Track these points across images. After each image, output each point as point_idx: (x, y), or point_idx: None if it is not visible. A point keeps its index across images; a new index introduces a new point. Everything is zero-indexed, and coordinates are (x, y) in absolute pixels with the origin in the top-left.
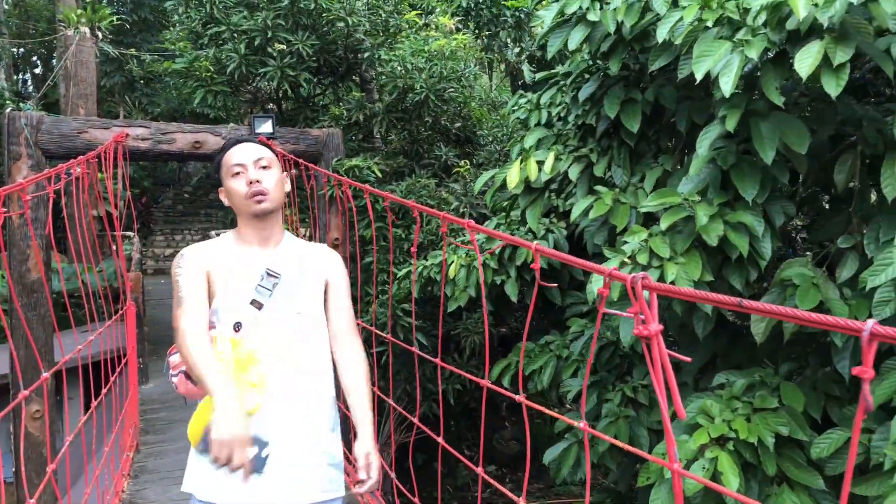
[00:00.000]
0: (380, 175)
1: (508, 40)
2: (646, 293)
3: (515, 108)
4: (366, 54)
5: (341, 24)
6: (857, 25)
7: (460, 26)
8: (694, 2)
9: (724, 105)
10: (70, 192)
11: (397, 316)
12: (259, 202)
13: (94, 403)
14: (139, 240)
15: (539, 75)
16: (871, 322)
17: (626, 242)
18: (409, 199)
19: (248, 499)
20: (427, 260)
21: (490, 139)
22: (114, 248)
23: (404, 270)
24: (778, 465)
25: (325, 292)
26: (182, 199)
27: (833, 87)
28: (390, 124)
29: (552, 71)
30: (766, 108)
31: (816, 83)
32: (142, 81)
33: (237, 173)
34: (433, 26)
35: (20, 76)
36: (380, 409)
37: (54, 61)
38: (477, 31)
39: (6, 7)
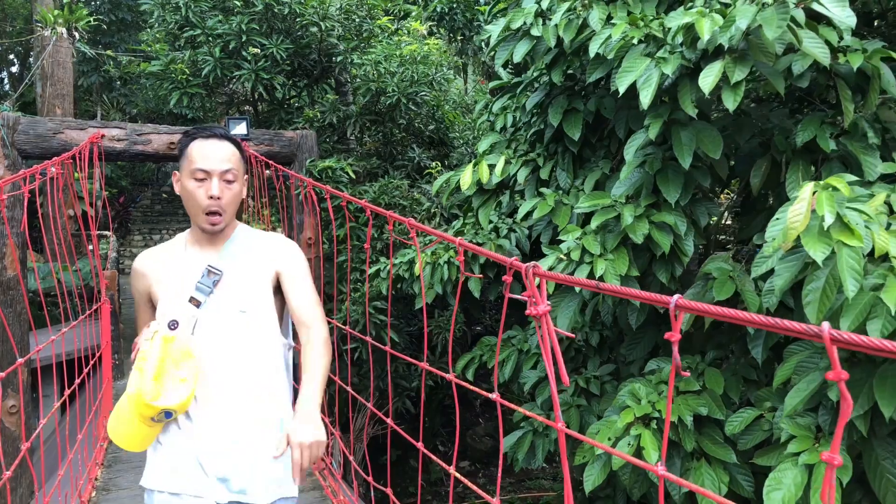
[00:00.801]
0: (353, 176)
1: (483, 44)
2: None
3: (483, 112)
4: (339, 58)
5: (315, 29)
6: (761, 47)
7: (434, 30)
8: (622, 20)
9: (649, 115)
10: (45, 192)
11: (370, 313)
12: (213, 224)
13: (68, 391)
14: (116, 239)
15: (491, 84)
16: (676, 297)
17: (562, 241)
18: (383, 199)
19: (195, 490)
20: (396, 258)
21: (462, 141)
22: (89, 247)
23: (373, 269)
24: (698, 442)
25: (279, 282)
26: (160, 199)
27: (731, 101)
28: (364, 126)
29: (501, 81)
30: (687, 117)
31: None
32: (119, 81)
33: (200, 178)
34: (405, 31)
35: None
36: (354, 404)
37: (31, 60)
38: (451, 36)
39: None
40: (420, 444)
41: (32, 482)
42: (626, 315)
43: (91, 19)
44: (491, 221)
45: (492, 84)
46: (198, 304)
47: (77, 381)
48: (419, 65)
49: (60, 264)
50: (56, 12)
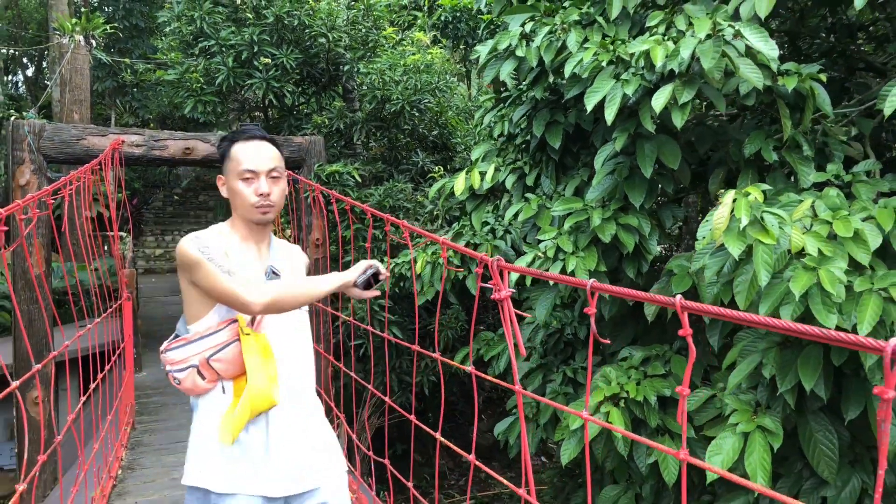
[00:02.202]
0: (359, 179)
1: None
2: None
3: (481, 120)
4: (346, 67)
5: (323, 40)
6: (711, 71)
7: (439, 38)
8: (594, 45)
9: (617, 129)
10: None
11: (374, 311)
12: (265, 213)
13: (94, 383)
14: (131, 240)
15: (482, 98)
16: (591, 280)
17: (540, 241)
18: (387, 202)
19: (260, 489)
20: (399, 258)
21: (464, 146)
22: (106, 247)
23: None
24: (663, 420)
25: None
26: (172, 201)
27: (678, 119)
28: (370, 132)
29: (490, 95)
30: (651, 131)
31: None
32: (134, 88)
33: (248, 178)
34: (410, 41)
35: (11, 78)
36: (358, 398)
37: (46, 65)
38: (455, 44)
39: None
40: (438, 434)
41: (55, 468)
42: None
43: (107, 27)
44: (487, 223)
45: (483, 98)
46: None
47: (102, 372)
48: (422, 74)
49: (84, 263)
50: (74, 21)
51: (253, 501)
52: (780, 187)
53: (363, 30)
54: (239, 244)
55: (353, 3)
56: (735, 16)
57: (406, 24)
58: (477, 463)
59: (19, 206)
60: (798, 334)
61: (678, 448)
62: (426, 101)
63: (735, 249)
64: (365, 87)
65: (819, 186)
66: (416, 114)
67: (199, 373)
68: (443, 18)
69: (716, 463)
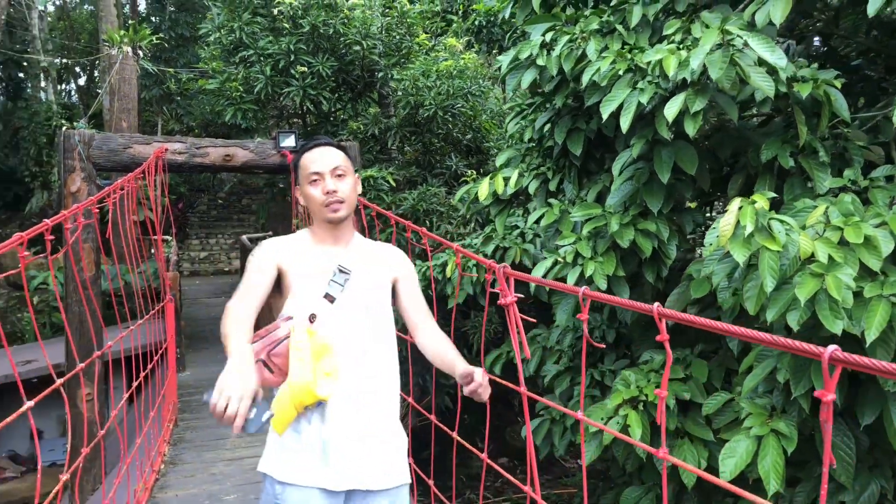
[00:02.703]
0: (393, 184)
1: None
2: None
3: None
4: (380, 73)
5: (358, 48)
6: (720, 80)
7: (473, 42)
8: (610, 53)
9: (635, 136)
10: (116, 204)
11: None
12: (335, 211)
13: (137, 380)
14: (176, 243)
15: (506, 105)
16: (583, 288)
17: (560, 246)
18: (421, 205)
19: (318, 481)
20: (431, 261)
21: (497, 150)
22: (153, 250)
23: None
24: (682, 423)
25: (395, 287)
26: (216, 205)
27: (691, 128)
28: (404, 137)
29: (516, 102)
30: (667, 138)
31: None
32: (178, 96)
33: (314, 181)
34: (443, 47)
35: (64, 86)
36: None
37: (97, 74)
38: (489, 48)
39: (49, 20)
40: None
41: (106, 463)
42: (628, 313)
43: (153, 38)
44: (517, 227)
45: (506, 105)
46: (332, 300)
47: (145, 371)
48: (455, 79)
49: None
50: (122, 33)
51: (311, 493)
52: (796, 193)
53: (397, 37)
54: (313, 246)
55: (387, 10)
56: (754, 22)
57: (439, 31)
58: (489, 462)
59: (66, 216)
60: (750, 339)
61: (699, 451)
62: (459, 105)
63: (740, 256)
64: (399, 93)
65: (839, 192)
66: (449, 119)
67: (266, 367)
68: (477, 23)
69: (729, 465)
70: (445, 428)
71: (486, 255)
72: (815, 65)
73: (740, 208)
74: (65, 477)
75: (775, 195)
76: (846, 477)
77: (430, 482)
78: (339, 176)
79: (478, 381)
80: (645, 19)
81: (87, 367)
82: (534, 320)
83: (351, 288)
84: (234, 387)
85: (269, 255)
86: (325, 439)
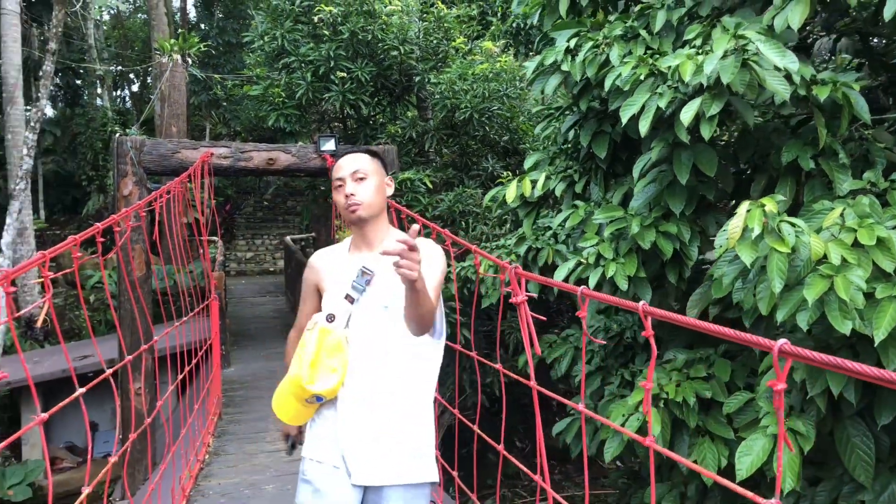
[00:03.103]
0: (430, 186)
1: None
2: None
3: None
4: (418, 78)
5: (395, 53)
6: (734, 84)
7: (511, 43)
8: (632, 59)
9: (655, 139)
10: (164, 206)
11: (444, 313)
12: (353, 212)
13: (181, 375)
14: (223, 244)
15: (535, 109)
16: (581, 288)
17: (583, 247)
18: (457, 207)
19: (332, 460)
20: (465, 261)
21: (533, 151)
22: (201, 251)
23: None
24: (703, 422)
25: None
26: (262, 207)
27: (706, 132)
28: (441, 140)
29: (543, 106)
30: (689, 140)
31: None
32: (225, 102)
33: (338, 186)
34: (479, 51)
35: (119, 93)
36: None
37: (149, 80)
38: (527, 49)
39: (105, 28)
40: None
41: (155, 453)
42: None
43: (201, 46)
44: (549, 228)
45: (535, 109)
46: (352, 300)
47: (189, 366)
48: (491, 82)
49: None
50: (172, 41)
51: (333, 472)
52: (817, 195)
53: (434, 41)
54: (348, 251)
55: (424, 15)
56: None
57: (475, 35)
58: (506, 454)
59: (116, 220)
60: (710, 332)
61: (720, 450)
62: (495, 108)
63: (747, 258)
64: (436, 97)
65: (860, 193)
66: (486, 121)
67: None
68: (514, 25)
69: (745, 463)
70: (466, 420)
71: (518, 256)
72: (843, 65)
73: (748, 211)
74: (113, 459)
75: (784, 198)
76: (865, 477)
77: (454, 473)
78: (360, 179)
79: (394, 247)
80: (669, 24)
81: (137, 362)
82: (543, 318)
83: (373, 288)
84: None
85: (309, 280)
86: (340, 435)
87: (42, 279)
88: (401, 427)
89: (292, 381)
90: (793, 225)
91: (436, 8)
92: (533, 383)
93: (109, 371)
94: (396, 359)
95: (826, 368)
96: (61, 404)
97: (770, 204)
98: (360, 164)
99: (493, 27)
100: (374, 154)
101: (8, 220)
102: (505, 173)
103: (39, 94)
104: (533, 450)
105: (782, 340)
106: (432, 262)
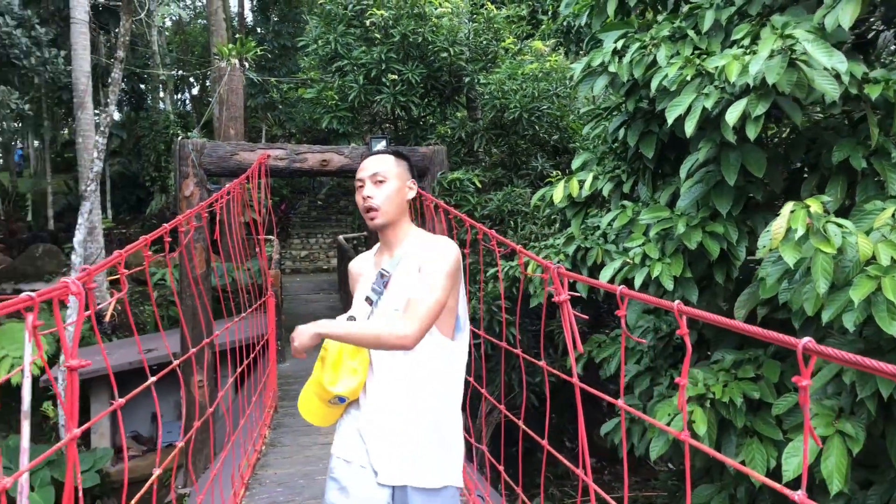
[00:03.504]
0: (479, 186)
1: None
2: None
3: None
4: (467, 79)
5: (445, 55)
6: (780, 85)
7: (561, 42)
8: (679, 59)
9: (702, 140)
10: (224, 207)
11: (493, 312)
12: (371, 218)
13: (239, 369)
14: (279, 242)
15: (584, 109)
16: (620, 287)
17: (629, 248)
18: (506, 206)
19: (359, 459)
20: (513, 261)
21: (583, 150)
22: (257, 249)
23: (492, 272)
24: (752, 423)
25: None
26: (316, 206)
27: (752, 132)
28: (490, 140)
29: (592, 107)
30: (732, 141)
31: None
32: (281, 106)
33: (359, 187)
34: (528, 50)
35: (179, 96)
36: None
37: (208, 84)
38: (578, 48)
39: (167, 34)
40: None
41: (215, 444)
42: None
43: (258, 50)
44: (598, 228)
45: (583, 110)
46: (371, 302)
47: (247, 360)
48: (540, 81)
49: (238, 264)
50: (230, 46)
51: (360, 471)
52: (869, 195)
53: (484, 42)
54: (373, 257)
55: (474, 16)
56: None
57: (525, 34)
58: (549, 449)
59: (180, 221)
60: (737, 329)
61: (769, 451)
62: (544, 107)
63: (790, 259)
64: (486, 97)
65: None
66: (535, 120)
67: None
68: (565, 24)
69: (792, 465)
70: (512, 416)
71: (566, 256)
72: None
73: (792, 212)
74: (181, 444)
75: (830, 199)
76: None
77: (501, 468)
78: (379, 182)
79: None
80: (717, 23)
81: (199, 356)
82: (585, 317)
83: (389, 290)
84: (300, 331)
85: (351, 287)
86: (364, 434)
87: (113, 277)
88: (423, 428)
89: (315, 383)
90: (839, 226)
91: (485, 9)
92: (575, 380)
93: (176, 362)
94: (413, 360)
95: (847, 366)
96: (135, 392)
97: (815, 204)
98: (382, 166)
99: (543, 26)
100: (399, 156)
101: (80, 220)
102: (555, 172)
103: (108, 100)
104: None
105: (806, 339)
106: (433, 264)
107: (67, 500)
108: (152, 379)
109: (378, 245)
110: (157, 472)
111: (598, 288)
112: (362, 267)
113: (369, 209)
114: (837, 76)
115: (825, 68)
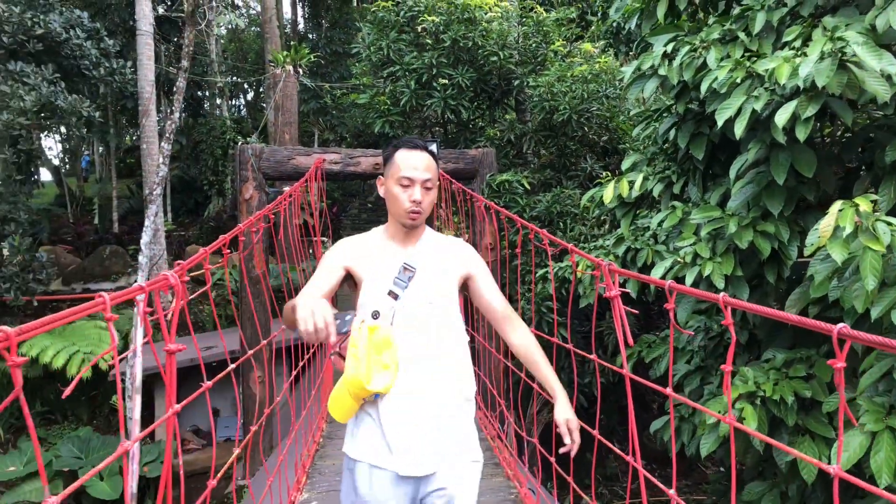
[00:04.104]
0: (528, 187)
1: None
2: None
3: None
4: (516, 81)
5: (495, 58)
6: (831, 87)
7: (611, 43)
8: (728, 62)
9: (753, 140)
10: (283, 211)
11: (542, 313)
12: (413, 220)
13: (299, 366)
14: (331, 243)
15: (633, 111)
16: (668, 282)
17: (680, 247)
18: (555, 207)
19: (386, 463)
20: (563, 262)
21: (633, 151)
22: (311, 251)
23: (541, 272)
24: (803, 421)
25: (469, 283)
26: (366, 208)
27: (801, 134)
28: (539, 141)
29: (641, 109)
30: (782, 142)
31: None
32: (333, 111)
33: (405, 185)
34: (578, 52)
35: (234, 102)
36: (527, 393)
37: (262, 89)
38: (628, 49)
39: (222, 42)
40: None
41: (272, 438)
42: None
43: (311, 57)
44: (648, 229)
45: (633, 112)
46: (395, 296)
47: (306, 356)
48: (589, 83)
49: (294, 264)
50: (284, 53)
51: (380, 472)
52: None
53: (533, 45)
54: (384, 242)
55: (523, 20)
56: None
57: (574, 37)
58: (599, 438)
59: (241, 230)
60: (774, 317)
61: (820, 448)
62: (594, 108)
63: (838, 256)
64: (535, 99)
65: None
66: (584, 122)
67: (341, 357)
68: (614, 25)
69: (843, 460)
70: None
71: (617, 257)
72: None
73: (840, 211)
74: (253, 430)
75: (878, 197)
76: None
77: (552, 459)
78: (427, 189)
79: (566, 433)
80: (769, 24)
81: (258, 353)
82: (635, 312)
83: (416, 284)
84: (308, 308)
85: (338, 257)
86: (386, 428)
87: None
88: (449, 417)
89: (352, 383)
90: (889, 224)
91: (535, 12)
92: (626, 371)
93: (240, 360)
94: (440, 353)
95: (882, 349)
96: (188, 399)
97: (864, 203)
98: (431, 173)
99: (592, 27)
100: (434, 156)
101: (146, 223)
102: (604, 173)
103: (173, 108)
104: (633, 452)
105: (841, 325)
106: (483, 265)
107: (166, 474)
108: (207, 384)
109: (379, 231)
110: (236, 451)
111: (650, 284)
112: (368, 252)
113: (416, 212)
114: (889, 77)
115: (876, 70)
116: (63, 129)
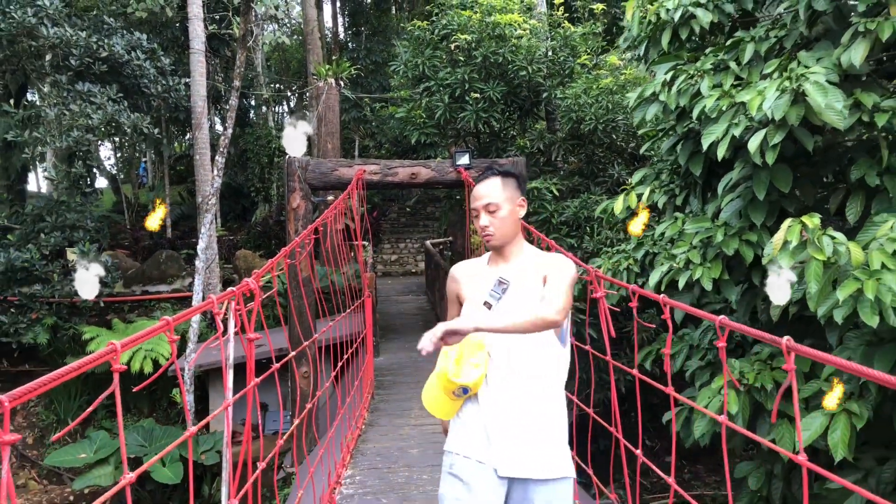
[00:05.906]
0: (556, 194)
1: None
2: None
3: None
4: (545, 94)
5: (524, 73)
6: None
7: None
8: (716, 92)
9: (738, 160)
10: (331, 222)
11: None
12: (488, 241)
13: (342, 361)
14: (371, 248)
15: (641, 131)
16: (662, 295)
17: (675, 254)
18: (582, 213)
19: (484, 458)
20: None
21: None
22: (353, 255)
23: None
24: (783, 406)
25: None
26: (405, 213)
27: (770, 158)
28: (567, 150)
29: (647, 129)
30: (758, 163)
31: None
32: (372, 122)
33: (475, 216)
34: (604, 64)
35: (278, 109)
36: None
37: (305, 98)
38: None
39: (266, 50)
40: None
41: (316, 429)
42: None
43: (352, 70)
44: (664, 235)
45: (640, 131)
46: (489, 306)
47: (348, 353)
48: (615, 94)
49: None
50: (327, 67)
51: (479, 466)
52: (881, 208)
53: (561, 58)
54: (485, 265)
55: (551, 34)
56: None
57: (600, 50)
58: (615, 433)
59: (296, 244)
60: (745, 332)
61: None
62: (619, 118)
63: (785, 264)
64: (563, 110)
65: None
66: (610, 131)
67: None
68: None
69: (804, 437)
70: (593, 414)
71: (636, 260)
72: None
73: (789, 227)
74: (298, 420)
75: (822, 217)
76: None
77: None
78: (492, 211)
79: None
80: (757, 54)
81: (303, 351)
82: (651, 325)
83: (509, 296)
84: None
85: (451, 290)
86: (485, 421)
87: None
88: (541, 423)
89: (440, 376)
90: (832, 238)
91: (562, 28)
92: (636, 371)
93: (288, 357)
94: (531, 359)
95: (821, 361)
96: (238, 395)
97: (810, 221)
98: (494, 195)
99: (620, 38)
100: (506, 175)
101: (202, 230)
102: (630, 180)
103: (227, 124)
104: (662, 449)
105: (786, 337)
106: (561, 271)
107: (245, 446)
108: (255, 381)
109: (488, 255)
110: (295, 428)
111: (660, 285)
112: (472, 273)
113: (486, 235)
114: (854, 106)
115: (822, 106)
116: (116, 139)
